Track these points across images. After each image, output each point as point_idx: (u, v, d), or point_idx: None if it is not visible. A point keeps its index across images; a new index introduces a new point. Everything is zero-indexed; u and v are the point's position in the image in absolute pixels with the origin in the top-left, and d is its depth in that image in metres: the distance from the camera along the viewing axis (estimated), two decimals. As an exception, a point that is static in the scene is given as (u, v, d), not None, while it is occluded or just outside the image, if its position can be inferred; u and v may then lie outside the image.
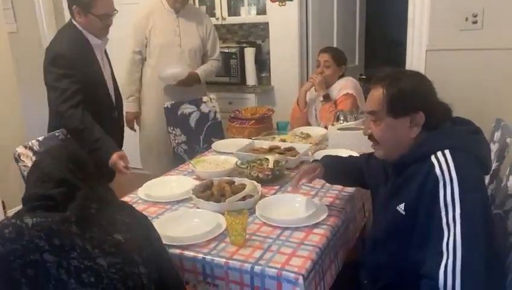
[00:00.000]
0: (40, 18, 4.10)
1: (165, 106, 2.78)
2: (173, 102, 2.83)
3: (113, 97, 2.35)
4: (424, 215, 1.23)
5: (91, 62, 2.17)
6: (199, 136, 2.92)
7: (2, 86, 3.26)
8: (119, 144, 2.48)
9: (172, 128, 2.79)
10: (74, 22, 2.13)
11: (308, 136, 2.45)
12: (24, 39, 4.05)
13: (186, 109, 2.89)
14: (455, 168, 1.20)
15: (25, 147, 1.95)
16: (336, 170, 1.72)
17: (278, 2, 3.41)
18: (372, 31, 4.64)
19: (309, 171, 1.67)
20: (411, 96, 1.30)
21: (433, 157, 1.24)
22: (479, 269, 1.13)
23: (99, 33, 2.15)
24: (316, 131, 2.56)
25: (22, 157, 1.92)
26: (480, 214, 1.17)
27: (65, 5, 3.98)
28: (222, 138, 2.88)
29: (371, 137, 1.41)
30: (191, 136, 2.87)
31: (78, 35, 2.13)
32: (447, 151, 1.24)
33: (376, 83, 1.36)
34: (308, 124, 2.81)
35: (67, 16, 4.03)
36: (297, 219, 1.54)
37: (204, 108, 2.96)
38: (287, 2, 3.37)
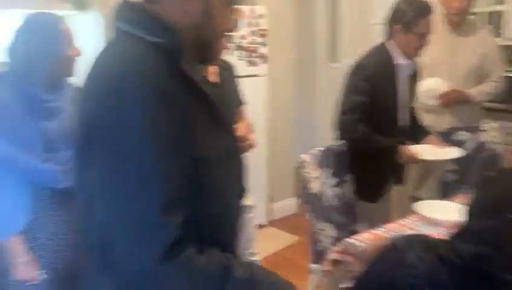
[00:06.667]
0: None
1: (440, 130, 2.63)
2: (449, 127, 2.68)
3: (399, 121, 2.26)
4: None
5: (391, 82, 2.18)
6: (472, 166, 2.67)
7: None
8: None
9: (443, 154, 2.63)
10: (385, 44, 2.17)
11: None
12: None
13: (461, 135, 2.68)
14: None
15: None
16: None
17: None
18: None
19: None
20: None
21: None
22: None
23: (414, 52, 2.14)
24: None
25: (304, 164, 2.08)
26: None
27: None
28: (498, 172, 2.56)
29: None
30: (462, 165, 2.65)
31: (386, 55, 2.17)
32: None
33: None
34: None
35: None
36: None
37: (482, 137, 2.69)
38: None
